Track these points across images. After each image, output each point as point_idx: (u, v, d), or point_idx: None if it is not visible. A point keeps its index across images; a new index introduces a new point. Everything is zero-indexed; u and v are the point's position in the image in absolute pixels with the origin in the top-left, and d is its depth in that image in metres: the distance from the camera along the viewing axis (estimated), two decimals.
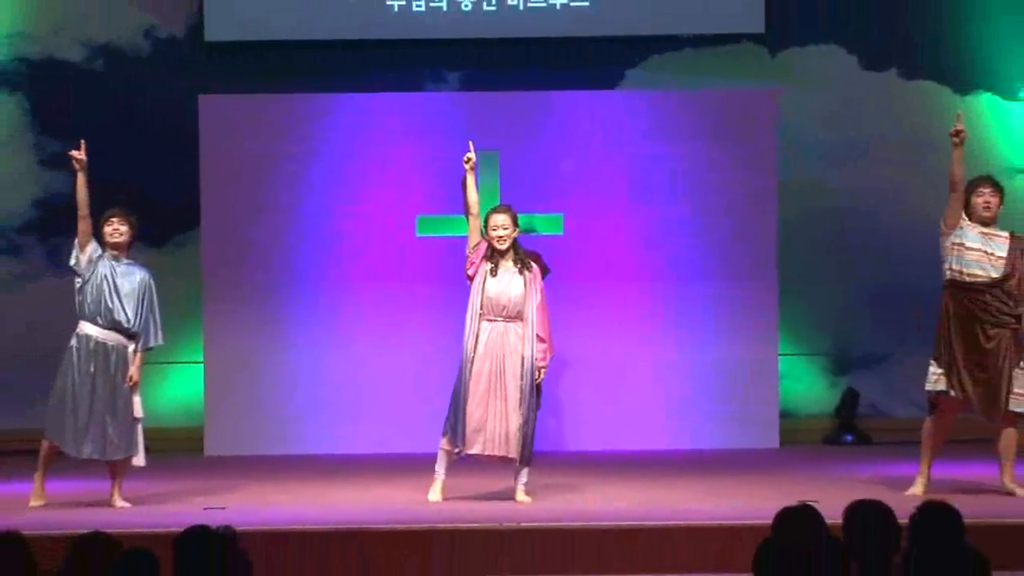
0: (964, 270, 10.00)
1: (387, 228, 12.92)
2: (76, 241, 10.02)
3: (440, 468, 10.14)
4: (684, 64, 13.50)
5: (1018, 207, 13.21)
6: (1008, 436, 10.10)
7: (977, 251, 10.00)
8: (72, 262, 10.07)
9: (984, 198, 10.03)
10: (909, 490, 10.02)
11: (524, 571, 8.80)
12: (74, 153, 10.06)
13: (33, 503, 10.03)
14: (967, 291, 10.01)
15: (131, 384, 10.04)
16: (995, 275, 9.97)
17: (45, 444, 10.09)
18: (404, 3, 13.40)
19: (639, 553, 8.92)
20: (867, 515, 6.17)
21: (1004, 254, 10.00)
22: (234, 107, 13.18)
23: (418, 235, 12.69)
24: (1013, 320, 10.00)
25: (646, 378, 13.00)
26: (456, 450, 10.07)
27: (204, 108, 13.07)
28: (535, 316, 10.07)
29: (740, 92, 13.27)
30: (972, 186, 10.12)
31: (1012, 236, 10.09)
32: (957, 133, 9.98)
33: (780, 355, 13.14)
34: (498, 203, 12.04)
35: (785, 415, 13.17)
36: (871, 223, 13.30)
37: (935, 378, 10.07)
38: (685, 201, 13.06)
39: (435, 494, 10.10)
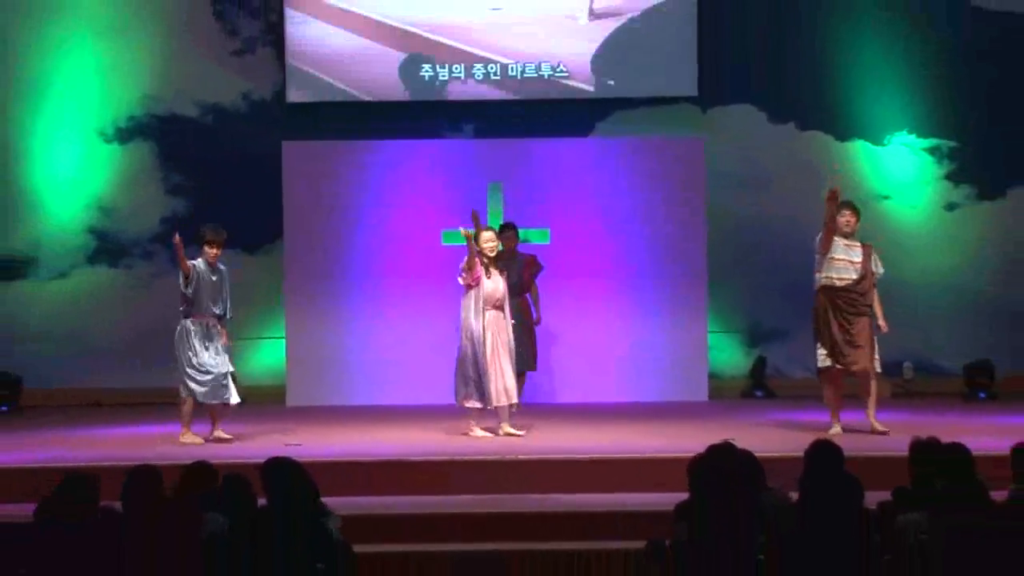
0: (835, 276, 10.08)
1: (419, 238, 12.88)
2: (181, 277, 10.15)
3: (473, 421, 10.28)
4: (638, 118, 13.45)
5: (883, 223, 13.22)
6: (872, 388, 10.15)
7: (843, 260, 10.11)
8: (184, 288, 10.16)
9: (846, 219, 10.16)
10: (830, 432, 9.93)
11: (522, 491, 8.80)
12: (176, 240, 10.12)
13: (186, 440, 10.10)
14: (837, 291, 10.10)
15: (229, 347, 10.28)
16: (855, 277, 10.05)
17: (189, 400, 10.18)
18: (432, 74, 13.37)
19: (606, 477, 8.91)
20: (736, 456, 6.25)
21: (860, 259, 10.10)
22: (308, 151, 13.14)
23: (443, 244, 12.65)
24: (868, 308, 10.12)
25: (611, 348, 12.95)
26: (487, 407, 10.19)
27: (286, 152, 13.05)
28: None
29: (679, 140, 13.23)
30: (836, 209, 10.17)
31: (863, 245, 10.21)
32: (834, 193, 10.04)
33: (709, 332, 13.11)
34: (500, 223, 12.10)
35: (712, 376, 13.14)
36: (775, 236, 13.25)
37: (823, 358, 10.14)
38: (639, 219, 13.01)
39: (480, 432, 10.26)
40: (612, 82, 13.34)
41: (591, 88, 13.36)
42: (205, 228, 10.36)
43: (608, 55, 13.32)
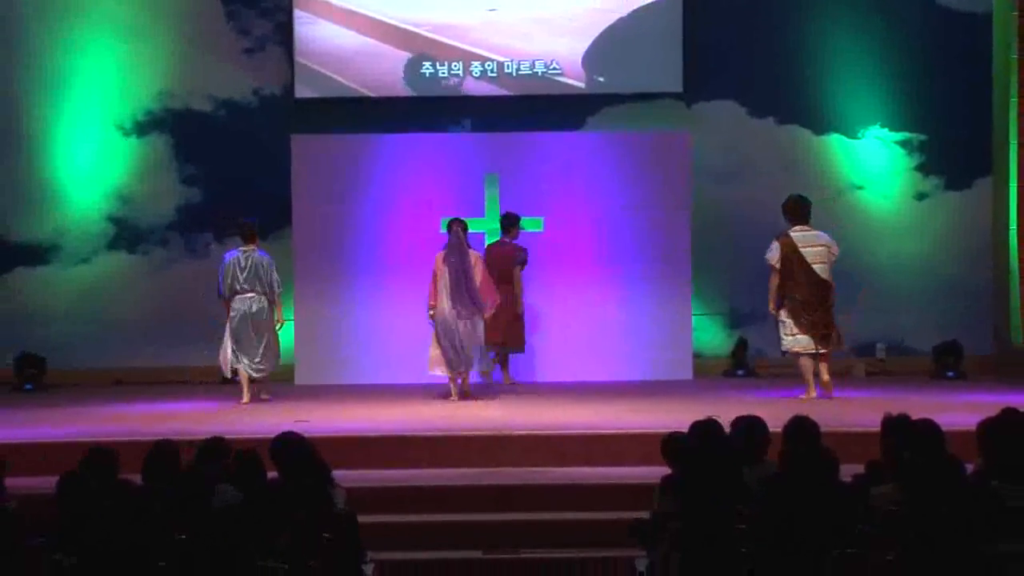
0: None
1: (421, 225, 12.82)
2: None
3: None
4: (626, 113, 13.41)
5: (858, 212, 13.22)
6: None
7: None
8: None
9: None
10: (806, 396, 10.56)
11: (516, 464, 8.78)
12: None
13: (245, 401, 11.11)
14: None
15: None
16: None
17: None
18: (433, 71, 13.33)
19: (594, 451, 8.90)
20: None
21: None
22: (315, 144, 13.11)
23: (442, 231, 12.62)
24: None
25: (601, 330, 12.93)
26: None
27: (294, 144, 13.01)
28: None
29: (665, 133, 13.21)
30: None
31: None
32: None
33: (693, 315, 13.09)
34: (501, 214, 12.16)
35: (697, 356, 13.11)
36: (754, 224, 13.17)
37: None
38: (628, 207, 12.99)
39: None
40: (602, 79, 13.31)
41: (582, 85, 13.32)
42: (250, 222, 11.26)
43: (598, 53, 13.29)
